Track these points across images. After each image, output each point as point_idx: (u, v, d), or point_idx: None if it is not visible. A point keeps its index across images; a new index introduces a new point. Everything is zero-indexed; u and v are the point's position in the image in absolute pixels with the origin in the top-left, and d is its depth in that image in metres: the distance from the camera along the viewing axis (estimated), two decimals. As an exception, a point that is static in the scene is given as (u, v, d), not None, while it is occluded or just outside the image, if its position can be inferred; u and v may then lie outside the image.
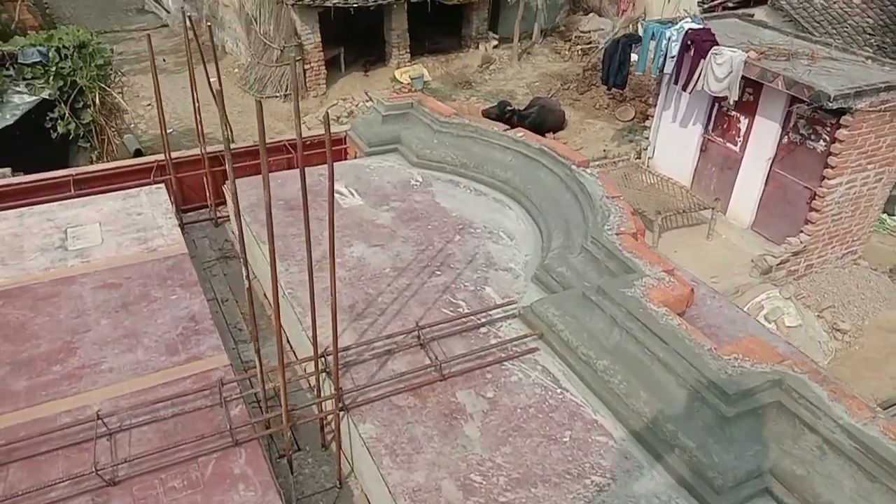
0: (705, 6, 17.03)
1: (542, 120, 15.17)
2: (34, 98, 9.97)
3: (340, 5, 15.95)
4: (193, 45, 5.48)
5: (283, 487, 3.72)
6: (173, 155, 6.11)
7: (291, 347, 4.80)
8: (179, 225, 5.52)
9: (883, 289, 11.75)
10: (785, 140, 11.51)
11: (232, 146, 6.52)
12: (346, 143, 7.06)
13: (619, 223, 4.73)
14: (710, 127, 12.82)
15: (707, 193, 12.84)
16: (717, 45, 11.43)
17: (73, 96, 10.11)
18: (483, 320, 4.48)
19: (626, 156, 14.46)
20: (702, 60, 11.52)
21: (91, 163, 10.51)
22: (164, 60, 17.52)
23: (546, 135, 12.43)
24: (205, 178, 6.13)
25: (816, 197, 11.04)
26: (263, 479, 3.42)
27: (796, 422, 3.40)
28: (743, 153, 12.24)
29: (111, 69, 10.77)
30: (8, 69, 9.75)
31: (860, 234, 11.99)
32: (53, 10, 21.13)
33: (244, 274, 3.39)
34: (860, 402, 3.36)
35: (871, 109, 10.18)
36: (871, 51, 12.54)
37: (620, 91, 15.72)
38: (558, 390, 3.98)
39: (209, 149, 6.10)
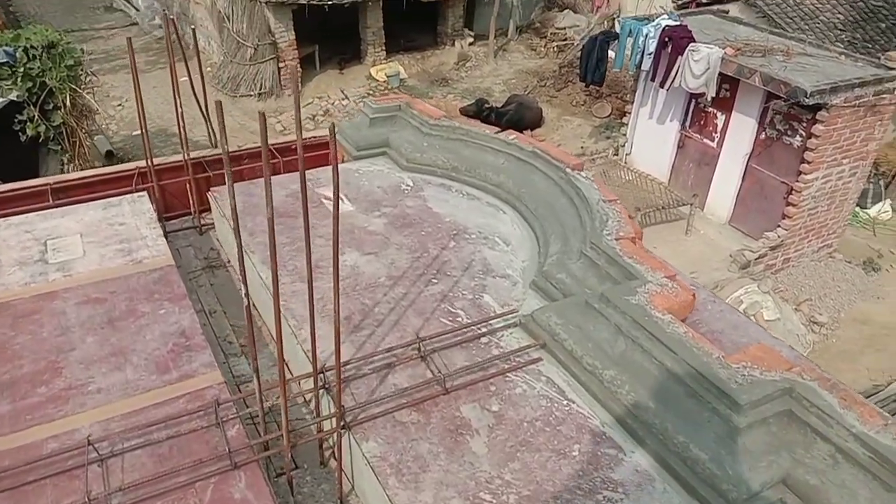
0: (679, 3, 17.12)
1: (520, 117, 15.11)
2: (1, 100, 9.60)
3: (315, 3, 15.70)
4: (174, 47, 5.29)
5: (284, 509, 3.60)
6: (155, 161, 5.90)
7: (285, 362, 4.65)
8: (163, 234, 5.33)
9: (857, 281, 11.94)
10: (762, 136, 11.61)
11: (215, 152, 6.35)
12: (330, 150, 6.90)
13: (617, 228, 4.67)
14: (688, 123, 12.88)
15: (685, 189, 12.91)
16: (694, 41, 11.47)
17: (42, 98, 9.75)
18: (483, 330, 4.39)
19: (603, 152, 14.48)
20: (679, 57, 11.56)
21: (62, 165, 10.18)
22: (128, 62, 17.09)
23: (524, 132, 12.39)
24: (188, 185, 5.93)
25: (793, 192, 11.15)
26: (265, 503, 3.30)
27: (808, 430, 3.37)
28: (720, 149, 12.33)
29: (81, 69, 10.42)
30: (-28, 70, 9.38)
31: (835, 227, 12.16)
32: (17, 7, 20.51)
33: (243, 291, 3.25)
34: (871, 409, 3.35)
35: (845, 105, 10.30)
36: (842, 46, 12.71)
37: (597, 88, 15.73)
38: (564, 402, 3.91)
39: (192, 154, 5.91)
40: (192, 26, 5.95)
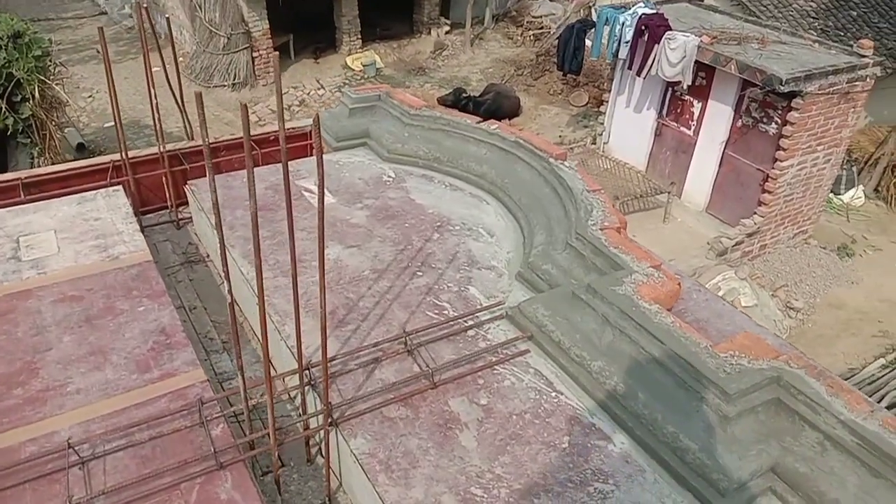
0: (655, -10, 17.16)
1: (498, 106, 15.08)
2: (-35, 92, 9.34)
3: (288, -10, 15.49)
4: (147, 36, 5.15)
5: (271, 508, 3.55)
6: (130, 154, 5.76)
7: (269, 359, 4.58)
8: (140, 229, 5.20)
9: (832, 267, 12.13)
10: (738, 123, 11.70)
11: (191, 144, 6.21)
12: (311, 138, 6.80)
13: (602, 218, 4.66)
14: (665, 111, 12.93)
15: (662, 177, 12.97)
16: (671, 30, 11.50)
17: (9, 89, 9.49)
18: (470, 323, 4.35)
19: (581, 141, 14.51)
20: (656, 45, 11.58)
21: (32, 159, 9.92)
22: (97, 52, 16.72)
23: (502, 121, 12.35)
24: (164, 178, 5.80)
25: (769, 179, 11.27)
26: (252, 502, 3.23)
27: (796, 418, 3.39)
28: (697, 137, 12.40)
29: (50, 60, 10.15)
30: (-65, 61, 9.10)
31: (811, 213, 12.32)
32: (-22, -5, 19.94)
33: (226, 288, 3.17)
34: (858, 395, 3.37)
35: (820, 92, 10.41)
36: (815, 34, 12.83)
37: (574, 76, 15.74)
38: (553, 394, 3.89)
39: (168, 146, 5.78)
40: (167, 15, 5.79)
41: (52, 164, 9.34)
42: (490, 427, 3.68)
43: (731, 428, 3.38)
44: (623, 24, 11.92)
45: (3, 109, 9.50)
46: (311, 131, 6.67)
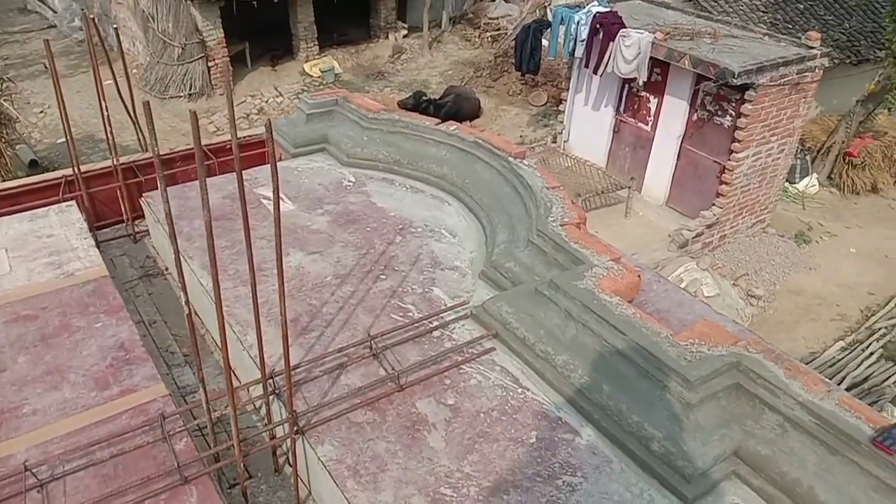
0: (608, -11, 17.39)
1: (459, 108, 15.13)
2: None
3: (242, -2, 15.33)
4: (96, 49, 5.05)
5: (240, 521, 3.50)
6: (82, 168, 5.63)
7: (232, 369, 4.51)
8: (95, 244, 5.09)
9: (790, 254, 12.41)
10: (693, 117, 11.91)
11: (146, 155, 6.11)
12: (267, 145, 6.73)
13: (562, 214, 4.70)
14: (622, 108, 13.10)
15: (622, 173, 13.14)
16: (625, 27, 11.66)
17: (-46, 107, 9.25)
18: (435, 324, 4.35)
19: (542, 140, 14.62)
20: (611, 43, 11.72)
21: (-19, 178, 9.66)
22: (44, 67, 16.36)
23: (463, 123, 12.39)
24: (119, 192, 5.69)
25: (726, 170, 11.49)
26: (220, 516, 3.19)
27: (756, 402, 3.46)
28: (654, 132, 12.59)
29: (-4, 75, 9.91)
30: None
31: (768, 203, 12.59)
32: (-80, 11, 19.37)
33: (183, 300, 3.13)
34: (815, 377, 3.45)
35: (771, 84, 10.65)
36: (765, 27, 13.13)
37: (533, 76, 15.86)
38: (519, 390, 3.91)
39: (122, 159, 5.67)
40: (115, 25, 5.68)
41: (3, 181, 9.10)
42: (458, 426, 3.68)
43: (694, 414, 3.44)
44: (578, 22, 12.04)
45: (-50, 127, 9.25)
46: (266, 138, 6.59)
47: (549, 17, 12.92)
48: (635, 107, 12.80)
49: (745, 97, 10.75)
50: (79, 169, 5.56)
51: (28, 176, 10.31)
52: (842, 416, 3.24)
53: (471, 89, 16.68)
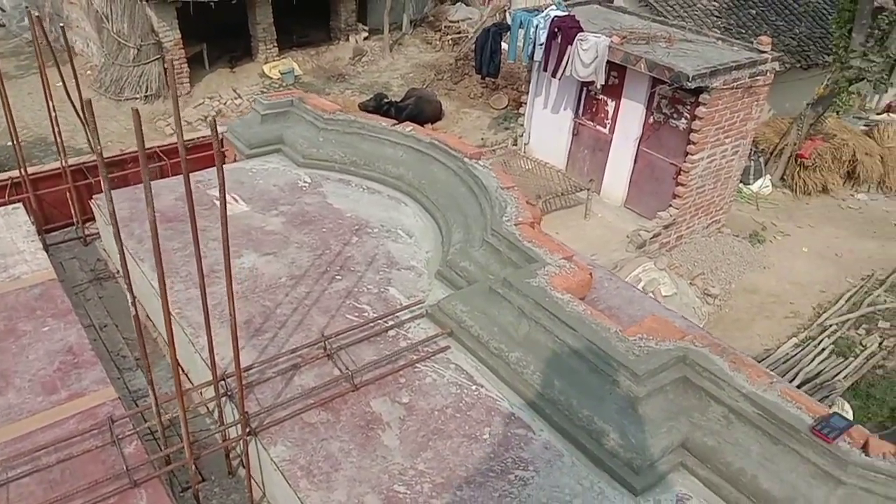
0: (567, -7, 17.62)
1: (420, 111, 15.16)
2: None
3: (199, -1, 15.14)
4: (44, 49, 4.95)
5: (192, 524, 3.46)
6: (30, 170, 5.51)
7: (184, 371, 4.46)
8: (44, 247, 4.99)
9: (745, 253, 12.71)
10: (650, 120, 12.13)
11: (96, 157, 5.98)
12: (223, 146, 6.67)
13: (516, 213, 4.75)
14: (581, 111, 13.28)
15: (581, 175, 13.32)
16: (583, 31, 11.83)
17: None
18: (391, 323, 4.36)
19: (503, 143, 14.74)
20: (569, 47, 11.88)
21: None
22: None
23: (424, 126, 12.44)
24: (68, 194, 5.57)
25: (681, 172, 11.72)
26: (170, 519, 3.15)
27: (702, 394, 3.55)
28: (612, 135, 12.79)
29: (-60, 76, 9.58)
30: None
31: (722, 204, 12.88)
32: None
33: (129, 300, 3.08)
34: (758, 369, 3.55)
35: (724, 87, 10.91)
36: (718, 32, 13.45)
37: (493, 80, 15.98)
38: (473, 387, 3.94)
39: (71, 161, 5.56)
40: (62, 24, 5.57)
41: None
42: (412, 424, 3.70)
43: (643, 408, 3.51)
44: (536, 26, 12.18)
45: None
46: (220, 139, 6.54)
47: (509, 21, 13.05)
48: (594, 110, 12.99)
49: (700, 100, 10.99)
50: (26, 171, 5.43)
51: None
52: (783, 406, 3.34)
53: (432, 92, 16.74)
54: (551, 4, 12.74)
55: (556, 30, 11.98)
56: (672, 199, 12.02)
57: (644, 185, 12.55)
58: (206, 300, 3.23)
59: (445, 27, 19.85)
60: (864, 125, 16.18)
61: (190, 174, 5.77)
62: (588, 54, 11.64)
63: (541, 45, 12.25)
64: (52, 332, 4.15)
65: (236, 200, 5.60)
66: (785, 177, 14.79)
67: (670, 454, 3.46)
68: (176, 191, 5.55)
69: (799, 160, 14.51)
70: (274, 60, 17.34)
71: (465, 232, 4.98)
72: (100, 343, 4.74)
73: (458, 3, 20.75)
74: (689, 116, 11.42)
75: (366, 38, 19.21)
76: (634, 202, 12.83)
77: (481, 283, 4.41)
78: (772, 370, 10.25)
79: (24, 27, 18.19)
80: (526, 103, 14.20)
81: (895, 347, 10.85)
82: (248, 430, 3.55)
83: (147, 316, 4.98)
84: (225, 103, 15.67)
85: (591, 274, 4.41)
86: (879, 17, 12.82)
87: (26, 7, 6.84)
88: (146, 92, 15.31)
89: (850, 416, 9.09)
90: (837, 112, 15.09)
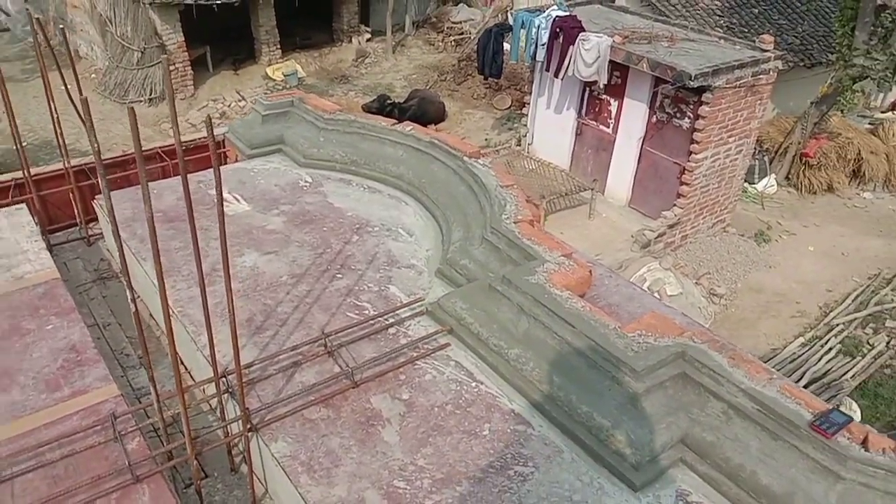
0: (569, -7, 17.64)
1: (423, 112, 15.18)
2: None
3: (202, 2, 15.19)
4: (46, 51, 4.99)
5: (193, 520, 3.48)
6: (33, 171, 5.55)
7: (187, 369, 4.49)
8: (47, 247, 5.03)
9: (750, 252, 12.69)
10: (653, 119, 12.11)
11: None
12: (224, 147, 6.71)
13: (515, 212, 4.76)
14: (584, 111, 13.27)
15: (585, 175, 13.31)
16: (584, 31, 11.83)
17: None
18: (391, 321, 4.38)
19: (507, 143, 14.75)
20: (571, 47, 11.89)
21: (-68, 185, 9.41)
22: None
23: (427, 127, 12.45)
24: (71, 195, 5.62)
25: (685, 171, 11.70)
26: (172, 514, 3.17)
27: (701, 390, 3.55)
28: (615, 134, 12.78)
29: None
30: None
31: (727, 203, 12.85)
32: None
33: (129, 297, 3.11)
34: (758, 365, 3.55)
35: (727, 86, 10.89)
36: (721, 31, 13.44)
37: (496, 80, 15.99)
38: (473, 384, 3.95)
39: (73, 162, 5.60)
40: (61, 26, 5.62)
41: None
42: (412, 421, 3.71)
43: (642, 404, 3.51)
44: (538, 27, 12.19)
45: None
46: (222, 140, 6.58)
47: (511, 22, 13.06)
48: (596, 110, 12.98)
49: (703, 99, 10.97)
50: (29, 172, 5.48)
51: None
52: (783, 402, 3.34)
53: (435, 93, 16.77)
54: (553, 4, 12.75)
55: (557, 30, 11.99)
56: (676, 199, 11.99)
57: (648, 184, 12.54)
58: (207, 298, 3.25)
59: (448, 28, 19.88)
60: (869, 123, 16.13)
61: (191, 174, 5.83)
62: (590, 54, 11.65)
63: (543, 45, 12.25)
64: (55, 331, 4.18)
65: (238, 200, 5.63)
66: (790, 176, 14.75)
67: (670, 450, 3.46)
68: (177, 191, 5.58)
69: (804, 159, 14.48)
70: (277, 63, 17.41)
71: (464, 230, 4.99)
72: (103, 341, 4.78)
73: (460, 5, 20.78)
74: (692, 116, 11.40)
75: (368, 40, 19.26)
76: (639, 202, 12.81)
77: (481, 280, 4.42)
78: (778, 370, 10.23)
79: (28, 31, 18.30)
80: (529, 103, 14.21)
81: (902, 346, 10.81)
82: (249, 426, 3.57)
83: (150, 314, 5.02)
84: (229, 105, 15.74)
85: (590, 271, 4.41)
86: (882, 14, 12.79)
87: (27, 10, 6.88)
88: (150, 95, 15.39)
89: (857, 416, 9.06)
90: (842, 111, 15.04)
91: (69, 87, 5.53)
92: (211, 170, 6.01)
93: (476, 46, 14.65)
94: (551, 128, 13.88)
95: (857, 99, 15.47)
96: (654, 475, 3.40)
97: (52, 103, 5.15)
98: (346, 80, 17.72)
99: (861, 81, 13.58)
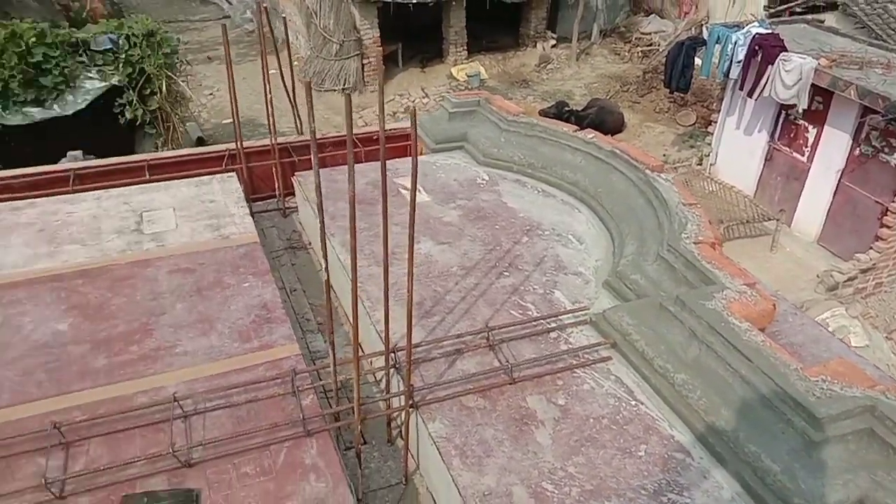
0: (772, 10, 16.57)
1: (601, 121, 14.94)
2: (104, 84, 10.20)
3: (400, 1, 15.97)
4: (265, 38, 5.53)
5: (350, 480, 3.71)
6: (244, 144, 6.17)
7: (357, 338, 4.79)
8: (250, 213, 5.57)
9: (955, 311, 11.27)
10: (856, 152, 11.11)
11: (301, 137, 6.58)
12: (411, 139, 7.04)
13: (696, 232, 4.60)
14: (777, 135, 12.46)
15: (771, 204, 12.49)
16: (786, 51, 11.11)
17: (140, 83, 10.31)
18: (553, 325, 4.40)
19: (686, 161, 14.17)
20: (769, 66, 11.22)
21: (157, 148, 10.73)
22: (208, 58, 17.83)
23: (605, 137, 12.25)
24: (274, 169, 6.18)
25: (888, 212, 10.63)
26: (335, 471, 3.42)
27: (890, 452, 3.24)
28: (810, 164, 11.87)
29: (177, 58, 10.96)
30: (81, 55, 9.99)
31: (933, 252, 11.50)
32: (120, -2, 21.68)
33: (323, 266, 3.38)
34: (961, 433, 3.19)
35: (950, 123, 9.75)
36: (950, 62, 12.01)
37: (682, 95, 15.41)
38: (633, 402, 3.88)
39: (279, 139, 6.15)
40: (283, 15, 6.20)
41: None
42: (566, 427, 3.72)
43: (818, 454, 3.27)
44: (735, 43, 11.62)
45: (135, 101, 10.33)
46: (411, 129, 6.90)
47: (705, 36, 12.54)
48: (791, 135, 12.13)
49: (918, 135, 9.91)
50: (241, 144, 6.09)
51: (195, 150, 11.34)
52: None
53: (615, 103, 16.45)
54: (753, 21, 12.05)
55: (756, 48, 11.35)
56: (874, 241, 10.92)
57: (843, 221, 11.52)
58: (388, 279, 3.46)
59: (636, 38, 19.40)
60: None
61: (379, 162, 6.19)
62: (791, 76, 10.90)
63: (739, 62, 11.66)
64: (251, 289, 4.63)
65: (419, 191, 5.90)
66: None
67: (844, 508, 3.20)
68: (367, 176, 5.96)
69: None
70: (462, 63, 17.90)
71: (638, 244, 4.90)
72: (288, 304, 5.22)
73: (652, 15, 20.19)
74: (903, 152, 10.33)
75: (553, 46, 19.26)
76: (830, 239, 11.80)
77: (651, 298, 4.32)
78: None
79: (245, 19, 20.23)
80: (716, 122, 13.55)
81: None
82: (410, 402, 3.76)
83: (330, 287, 5.39)
84: (413, 101, 16.42)
85: (774, 305, 4.16)
86: None
87: (256, 2, 7.63)
88: (344, 85, 16.43)
89: None
90: None
91: (283, 73, 6.08)
92: (397, 160, 6.39)
93: (665, 59, 14.19)
94: (738, 150, 13.15)
95: None
96: (823, 531, 3.16)
97: (267, 84, 5.69)
98: (526, 85, 17.86)
99: None
